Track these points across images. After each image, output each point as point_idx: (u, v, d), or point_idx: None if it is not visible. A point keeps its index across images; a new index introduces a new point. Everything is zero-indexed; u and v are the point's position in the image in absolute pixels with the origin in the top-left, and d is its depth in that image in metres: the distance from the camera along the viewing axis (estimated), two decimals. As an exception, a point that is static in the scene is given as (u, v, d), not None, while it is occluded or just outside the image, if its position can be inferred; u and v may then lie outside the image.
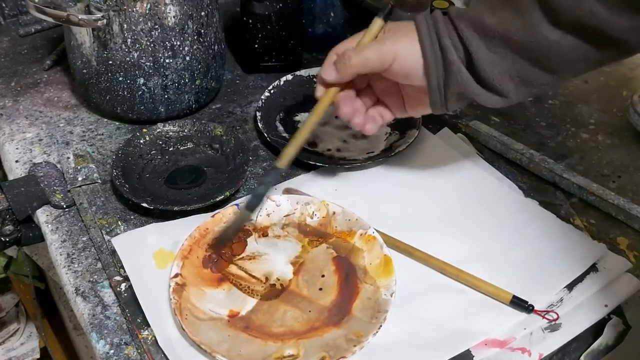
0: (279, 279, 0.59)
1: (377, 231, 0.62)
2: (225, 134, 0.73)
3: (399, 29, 0.58)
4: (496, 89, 0.55)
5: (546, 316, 0.56)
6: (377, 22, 0.61)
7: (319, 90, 0.62)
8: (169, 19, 0.71)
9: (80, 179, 0.68)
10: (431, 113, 0.61)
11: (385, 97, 0.64)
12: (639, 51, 0.51)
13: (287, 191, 0.69)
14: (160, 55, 0.72)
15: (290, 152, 0.61)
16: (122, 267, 0.59)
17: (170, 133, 0.74)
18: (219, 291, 0.58)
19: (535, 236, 0.64)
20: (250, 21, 0.83)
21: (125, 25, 0.69)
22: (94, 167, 0.70)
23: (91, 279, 0.59)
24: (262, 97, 0.80)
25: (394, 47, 0.57)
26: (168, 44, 0.72)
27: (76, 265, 0.61)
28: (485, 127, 0.78)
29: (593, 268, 0.61)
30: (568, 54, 0.51)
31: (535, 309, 0.56)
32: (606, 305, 0.58)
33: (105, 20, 0.68)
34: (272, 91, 0.81)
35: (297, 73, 0.84)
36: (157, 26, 0.71)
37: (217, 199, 0.65)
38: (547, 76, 0.54)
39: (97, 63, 0.73)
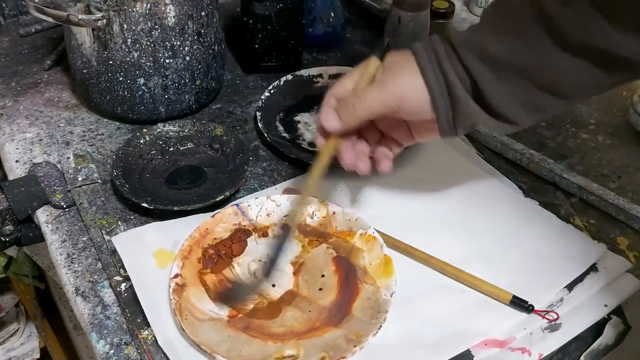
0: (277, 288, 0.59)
1: (377, 231, 0.62)
2: (225, 134, 0.73)
3: (398, 65, 0.55)
4: (506, 117, 0.53)
5: (546, 316, 0.56)
6: (374, 62, 0.57)
7: (320, 140, 0.58)
8: (169, 19, 0.71)
9: (80, 179, 0.68)
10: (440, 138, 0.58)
11: (390, 131, 0.60)
12: None
13: (287, 191, 0.69)
14: (160, 55, 0.72)
15: (299, 211, 0.60)
16: (122, 267, 0.59)
17: (171, 133, 0.74)
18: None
19: (535, 236, 0.64)
20: (250, 21, 0.83)
21: (125, 25, 0.69)
22: (94, 167, 0.70)
23: (91, 279, 0.59)
24: (262, 97, 0.80)
25: (398, 88, 0.54)
26: (168, 44, 0.72)
27: (76, 265, 0.61)
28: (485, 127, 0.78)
29: (593, 268, 0.61)
30: (579, 79, 0.50)
31: (535, 309, 0.56)
32: (606, 305, 0.58)
33: (105, 20, 0.68)
34: (272, 91, 0.81)
35: (297, 73, 0.84)
36: (157, 26, 0.71)
37: (217, 199, 0.65)
38: (557, 101, 0.52)
39: (97, 63, 0.73)
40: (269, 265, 0.57)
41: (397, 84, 0.54)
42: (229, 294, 0.57)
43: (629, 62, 0.47)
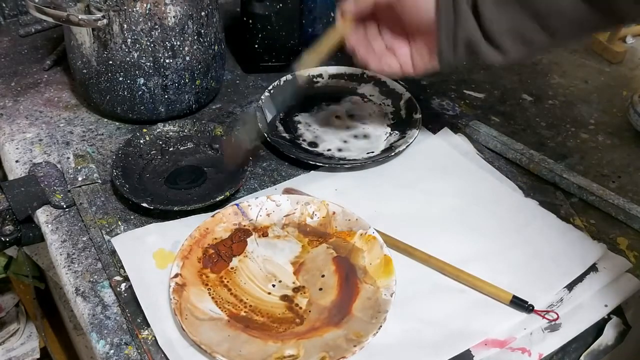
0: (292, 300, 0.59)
1: (377, 231, 0.62)
2: (225, 134, 0.73)
3: None
4: (497, 43, 0.57)
5: (546, 316, 0.56)
6: None
7: (340, 22, 0.63)
8: (169, 19, 0.71)
9: (80, 179, 0.68)
10: (438, 71, 0.62)
11: (392, 41, 0.64)
12: (630, 22, 0.54)
13: (287, 191, 0.69)
14: (160, 55, 0.72)
15: (311, 59, 0.65)
16: (122, 267, 0.59)
17: (171, 133, 0.74)
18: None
19: (535, 236, 0.64)
20: (250, 21, 0.83)
21: (125, 25, 0.69)
22: (94, 167, 0.70)
23: (91, 279, 0.59)
24: (262, 97, 0.80)
25: None
26: (168, 44, 0.72)
27: (76, 265, 0.61)
28: (485, 127, 0.78)
29: (593, 268, 0.61)
30: (568, 13, 0.53)
31: (535, 309, 0.56)
32: (606, 305, 0.58)
33: (105, 20, 0.68)
34: (272, 91, 0.81)
35: (297, 73, 0.84)
36: (157, 26, 0.71)
37: (217, 199, 0.65)
38: (544, 36, 0.56)
39: (97, 63, 0.73)
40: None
41: None
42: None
43: (616, 8, 0.52)
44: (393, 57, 0.64)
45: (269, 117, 0.62)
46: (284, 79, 0.83)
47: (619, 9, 0.52)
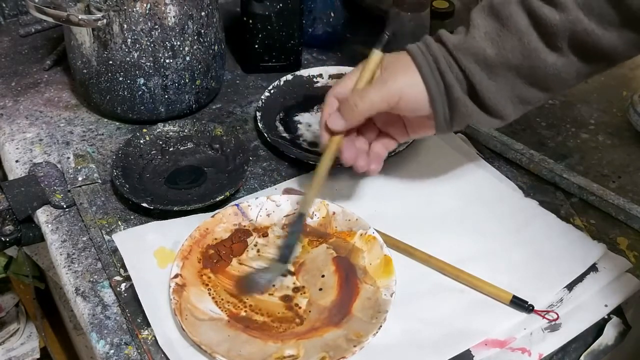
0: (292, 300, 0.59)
1: (377, 231, 0.62)
2: (225, 134, 0.73)
3: (396, 65, 0.58)
4: (497, 113, 0.57)
5: (546, 316, 0.56)
6: (375, 55, 0.60)
7: (324, 138, 0.61)
8: (169, 19, 0.71)
9: (80, 179, 0.68)
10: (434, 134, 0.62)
11: (387, 127, 0.64)
12: (622, 61, 0.54)
13: (287, 191, 0.69)
14: (160, 55, 0.72)
15: (311, 198, 0.61)
16: (122, 267, 0.59)
17: (171, 133, 0.74)
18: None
19: (535, 236, 0.64)
20: (250, 21, 0.83)
21: (125, 25, 0.69)
22: (94, 167, 0.70)
23: (91, 279, 0.59)
24: (262, 97, 0.80)
25: (397, 86, 0.57)
26: (168, 44, 0.72)
27: (76, 265, 0.61)
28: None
29: (593, 268, 0.61)
30: (563, 73, 0.54)
31: (535, 309, 0.56)
32: (606, 305, 0.58)
33: (105, 20, 0.68)
34: (272, 91, 0.81)
35: (297, 73, 0.85)
36: (157, 26, 0.71)
37: (217, 199, 0.65)
38: (542, 94, 0.57)
39: (97, 63, 0.73)
40: (286, 251, 0.59)
41: (397, 81, 0.57)
42: (249, 284, 0.58)
43: (607, 54, 0.53)
44: (388, 141, 0.64)
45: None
46: (284, 79, 0.83)
47: (611, 56, 0.53)
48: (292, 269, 0.60)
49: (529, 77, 0.55)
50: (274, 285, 0.58)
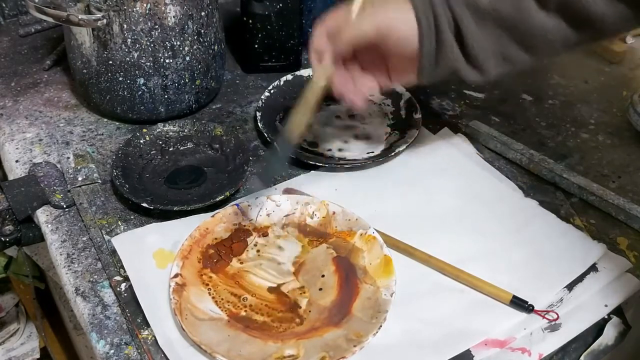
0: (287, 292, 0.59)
1: (377, 231, 0.62)
2: (225, 134, 0.73)
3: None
4: (478, 65, 0.58)
5: (546, 316, 0.56)
6: None
7: (314, 63, 0.61)
8: (169, 19, 0.71)
9: (80, 179, 0.68)
10: (415, 83, 0.62)
11: (371, 69, 0.63)
12: (611, 36, 0.55)
13: (287, 191, 0.69)
14: (160, 55, 0.72)
15: (297, 123, 0.61)
16: (122, 267, 0.59)
17: (170, 133, 0.74)
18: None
19: (535, 236, 0.64)
20: (250, 21, 0.83)
21: (125, 25, 0.69)
22: (94, 167, 0.70)
23: (91, 279, 0.59)
24: (262, 97, 0.80)
25: (388, 16, 0.57)
26: (168, 44, 0.72)
27: (76, 265, 0.61)
28: (485, 127, 0.78)
29: (593, 268, 0.61)
30: (550, 34, 0.55)
31: (535, 309, 0.56)
32: (606, 305, 0.58)
33: (105, 20, 0.68)
34: (272, 91, 0.81)
35: (297, 73, 0.84)
36: (157, 26, 0.71)
37: (217, 199, 0.65)
38: (525, 55, 0.57)
39: (97, 63, 0.73)
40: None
41: (388, 11, 0.57)
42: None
43: (595, 22, 0.53)
44: (372, 79, 0.63)
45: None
46: (284, 79, 0.83)
47: (597, 24, 0.53)
48: (292, 269, 0.60)
49: (516, 33, 0.55)
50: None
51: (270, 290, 0.58)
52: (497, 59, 0.57)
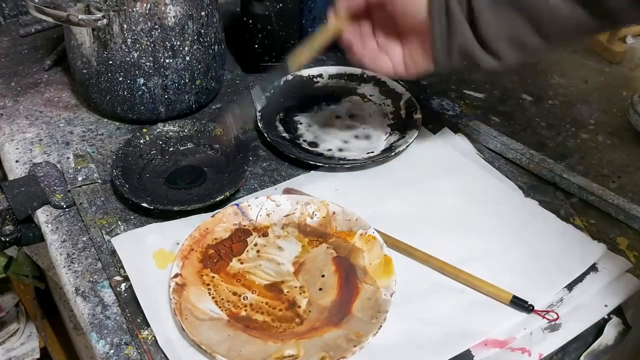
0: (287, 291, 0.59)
1: (377, 231, 0.62)
2: (225, 134, 0.73)
3: None
4: (492, 49, 0.56)
5: (546, 316, 0.56)
6: None
7: (331, 18, 0.63)
8: (169, 19, 0.71)
9: (80, 179, 0.68)
10: (433, 72, 0.62)
11: (386, 47, 0.63)
12: (626, 24, 0.54)
13: (287, 191, 0.69)
14: (160, 55, 0.72)
15: (300, 57, 0.64)
16: (122, 267, 0.59)
17: (170, 133, 0.74)
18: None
19: (535, 236, 0.64)
20: (250, 21, 0.83)
21: (125, 25, 0.69)
22: (94, 167, 0.70)
23: (91, 279, 0.59)
24: (262, 97, 0.80)
25: None
26: (168, 44, 0.72)
27: (76, 265, 0.61)
28: (485, 127, 0.78)
29: (593, 268, 0.61)
30: (564, 19, 0.53)
31: (535, 309, 0.56)
32: (606, 305, 0.58)
33: (105, 20, 0.68)
34: (272, 91, 0.81)
35: (297, 73, 0.84)
36: (157, 26, 0.71)
37: (217, 199, 0.65)
38: (539, 41, 0.56)
39: (97, 63, 0.73)
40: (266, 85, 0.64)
41: None
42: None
43: (610, 10, 0.52)
44: (386, 57, 0.63)
45: (258, 104, 0.64)
46: (284, 79, 0.83)
47: (614, 13, 0.52)
48: (292, 269, 0.60)
49: (529, 17, 0.54)
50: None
51: (270, 288, 0.58)
52: (510, 44, 0.56)
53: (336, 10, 0.62)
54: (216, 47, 0.78)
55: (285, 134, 0.78)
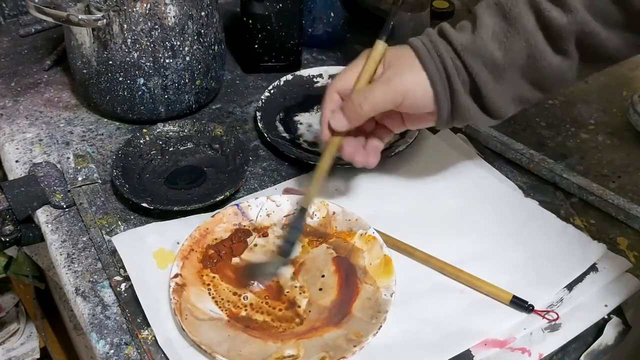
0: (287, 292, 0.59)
1: (377, 231, 0.62)
2: (225, 134, 0.73)
3: (399, 62, 0.57)
4: (498, 115, 0.57)
5: (546, 316, 0.56)
6: (380, 46, 0.59)
7: (326, 136, 0.60)
8: (169, 19, 0.71)
9: (80, 179, 0.68)
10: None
11: (384, 120, 0.63)
12: (621, 61, 0.54)
13: (287, 191, 0.69)
14: (160, 55, 0.72)
15: (312, 195, 0.61)
16: (122, 267, 0.59)
17: (170, 133, 0.74)
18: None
19: (535, 236, 0.64)
20: (250, 21, 0.83)
21: (125, 25, 0.69)
22: (94, 167, 0.70)
23: (91, 279, 0.59)
24: (262, 97, 0.80)
25: (402, 84, 0.56)
26: (168, 44, 0.72)
27: (76, 265, 0.61)
28: (485, 127, 0.78)
29: (593, 268, 0.61)
30: (566, 74, 0.54)
31: (535, 309, 0.56)
32: (606, 305, 0.58)
33: (105, 20, 0.68)
34: (272, 91, 0.81)
35: (297, 73, 0.85)
36: (157, 26, 0.71)
37: (217, 199, 0.65)
38: (542, 94, 0.57)
39: (97, 63, 0.73)
40: (287, 246, 0.59)
41: (401, 79, 0.56)
42: (249, 273, 0.59)
43: (610, 56, 0.53)
44: (379, 135, 0.63)
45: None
46: (284, 79, 0.83)
47: (615, 59, 0.54)
48: (292, 268, 0.60)
49: (532, 78, 0.55)
50: (276, 276, 0.59)
51: (270, 287, 0.58)
52: (515, 103, 0.57)
53: (333, 129, 0.59)
54: (216, 47, 0.78)
55: (285, 134, 0.78)
